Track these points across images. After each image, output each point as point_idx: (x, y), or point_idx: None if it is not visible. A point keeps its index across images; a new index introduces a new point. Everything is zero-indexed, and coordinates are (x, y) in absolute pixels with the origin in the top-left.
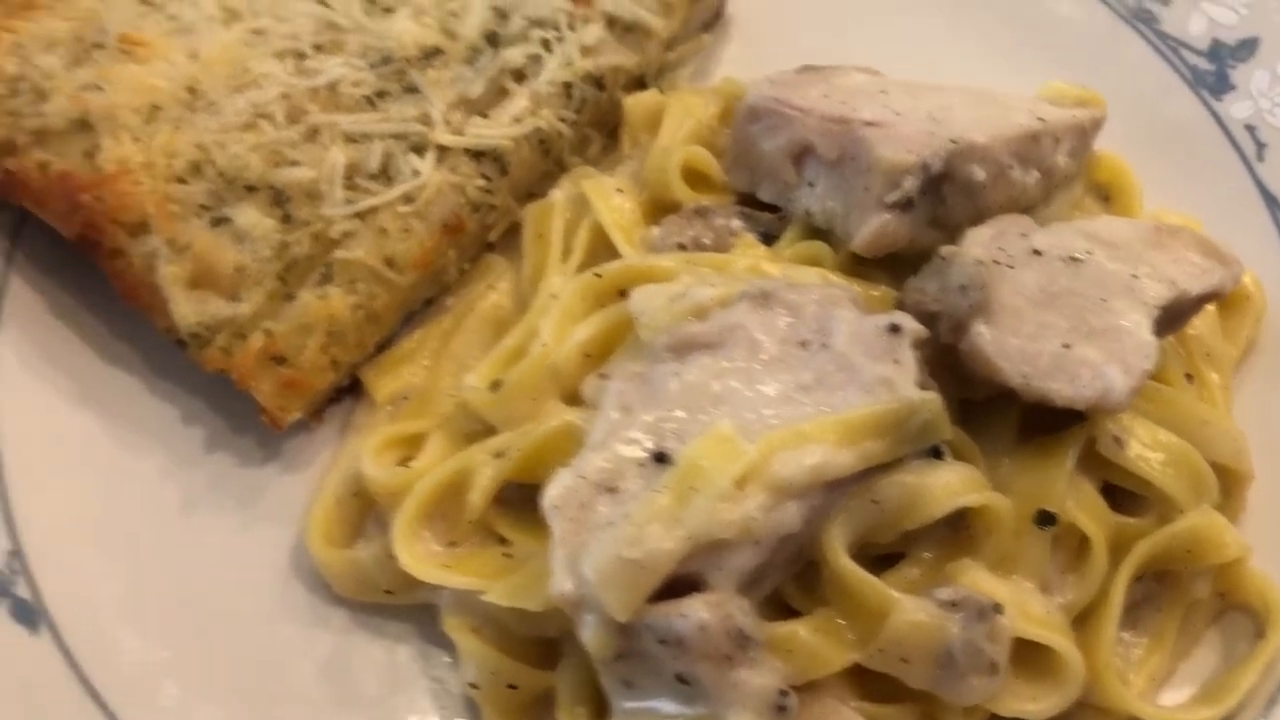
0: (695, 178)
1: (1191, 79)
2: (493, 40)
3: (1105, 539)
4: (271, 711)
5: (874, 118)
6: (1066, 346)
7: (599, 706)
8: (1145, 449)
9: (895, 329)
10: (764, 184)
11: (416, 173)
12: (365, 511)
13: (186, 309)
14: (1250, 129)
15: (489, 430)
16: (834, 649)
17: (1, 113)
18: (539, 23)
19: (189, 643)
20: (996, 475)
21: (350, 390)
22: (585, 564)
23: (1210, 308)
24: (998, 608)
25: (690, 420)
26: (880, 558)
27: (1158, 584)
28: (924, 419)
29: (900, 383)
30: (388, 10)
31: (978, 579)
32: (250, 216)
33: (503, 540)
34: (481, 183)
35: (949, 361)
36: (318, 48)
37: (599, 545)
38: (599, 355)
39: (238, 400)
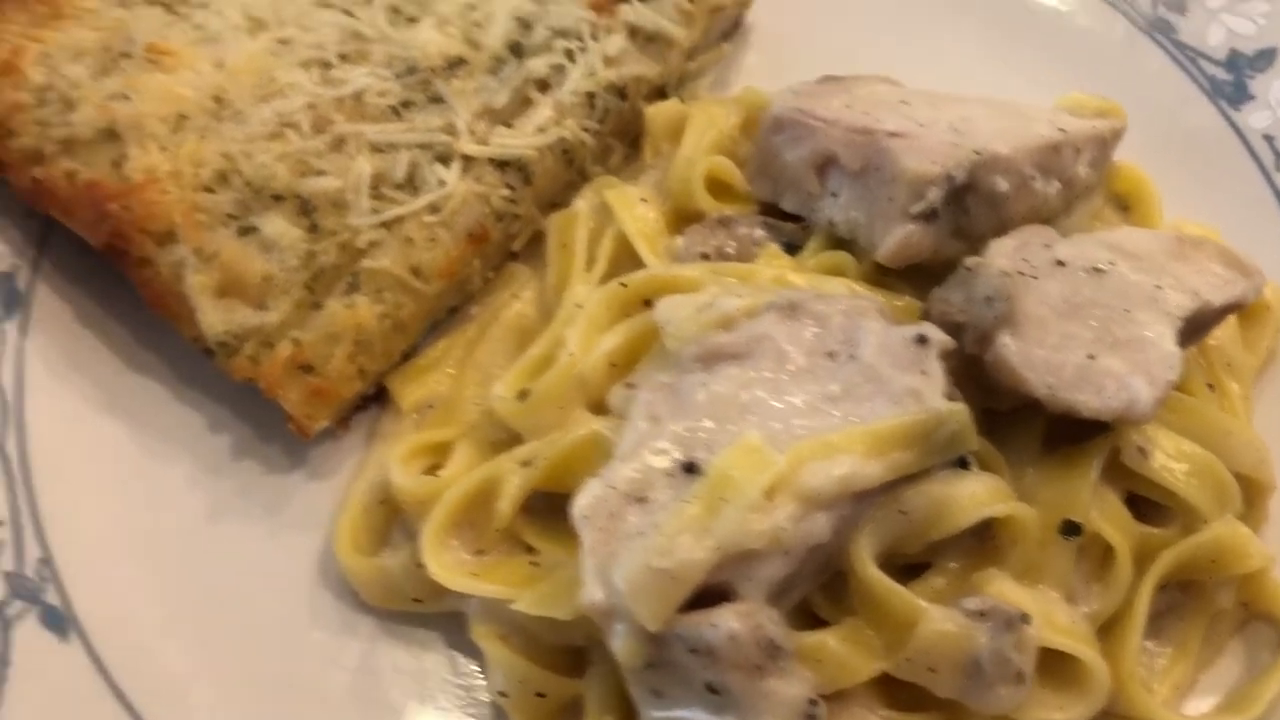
0: (718, 187)
1: (1210, 89)
2: (516, 50)
3: (1130, 549)
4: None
5: (897, 128)
6: (1091, 357)
7: (627, 715)
8: (1169, 459)
9: (923, 340)
10: (787, 194)
11: (442, 182)
12: (392, 519)
13: (214, 318)
14: (1269, 139)
15: (515, 438)
16: (862, 658)
17: (29, 122)
18: (562, 33)
19: (217, 649)
20: (1021, 485)
21: (376, 398)
22: (616, 574)
23: (1230, 318)
24: (1025, 618)
25: (719, 430)
26: (906, 567)
27: (1181, 594)
28: (951, 430)
29: (928, 394)
30: (412, 20)
31: (1004, 589)
32: (277, 226)
33: (529, 549)
34: (506, 192)
35: (974, 372)
36: (343, 57)
37: (629, 555)
38: (625, 365)
39: (264, 408)
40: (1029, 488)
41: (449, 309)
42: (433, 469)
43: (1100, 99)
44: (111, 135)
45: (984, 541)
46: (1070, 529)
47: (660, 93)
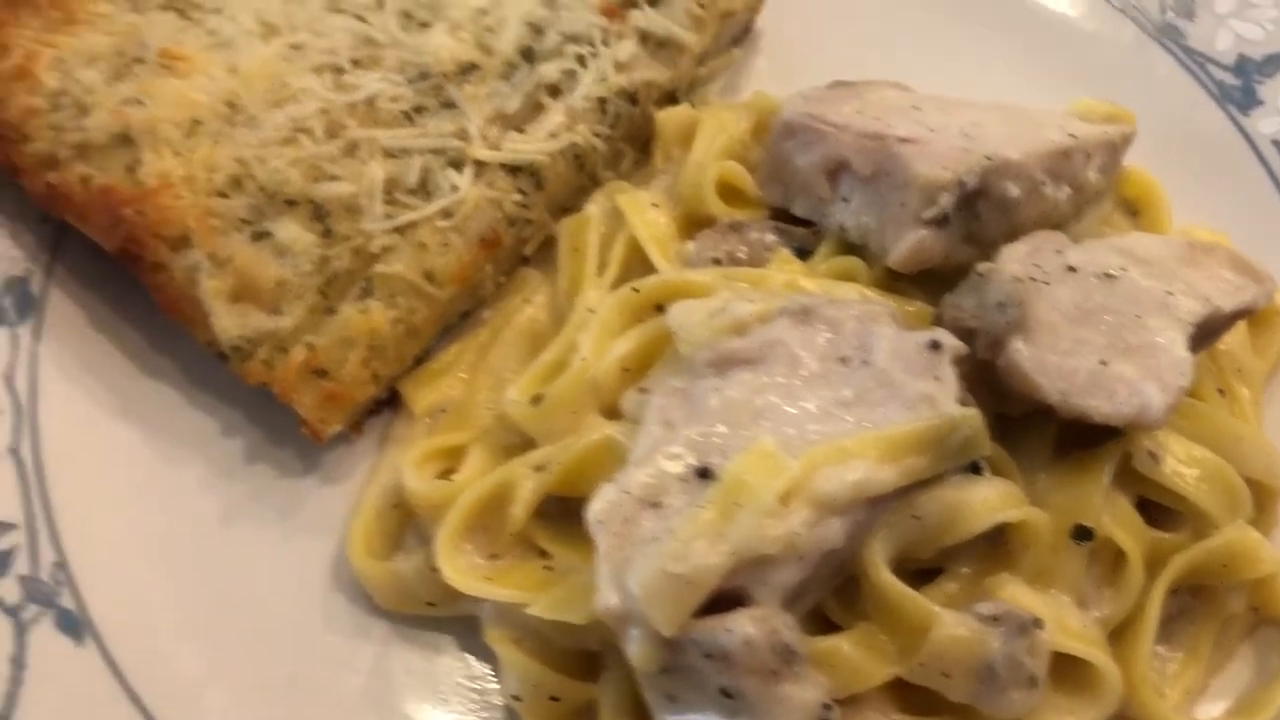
0: (729, 192)
1: (1218, 94)
2: (528, 56)
3: (1141, 554)
4: None
5: (908, 134)
6: (1103, 363)
7: (641, 719)
8: (1180, 464)
9: (935, 346)
10: (798, 199)
11: (455, 188)
12: (405, 523)
13: (228, 322)
14: (1277, 144)
15: (528, 443)
16: (876, 663)
17: (44, 127)
18: (574, 38)
19: (231, 653)
20: (1033, 490)
21: (389, 403)
22: (630, 579)
23: (1240, 323)
24: (1038, 622)
25: (732, 435)
26: (918, 572)
27: (1192, 598)
28: (965, 435)
29: (941, 399)
30: (424, 25)
31: (1016, 593)
32: (291, 231)
33: (543, 553)
34: (518, 197)
35: (986, 377)
36: (355, 63)
37: (644, 560)
38: (637, 369)
39: (277, 412)
40: (1041, 493)
41: (461, 313)
42: (446, 473)
43: (1110, 104)
44: (125, 140)
45: (996, 546)
46: (1082, 534)
47: (671, 98)
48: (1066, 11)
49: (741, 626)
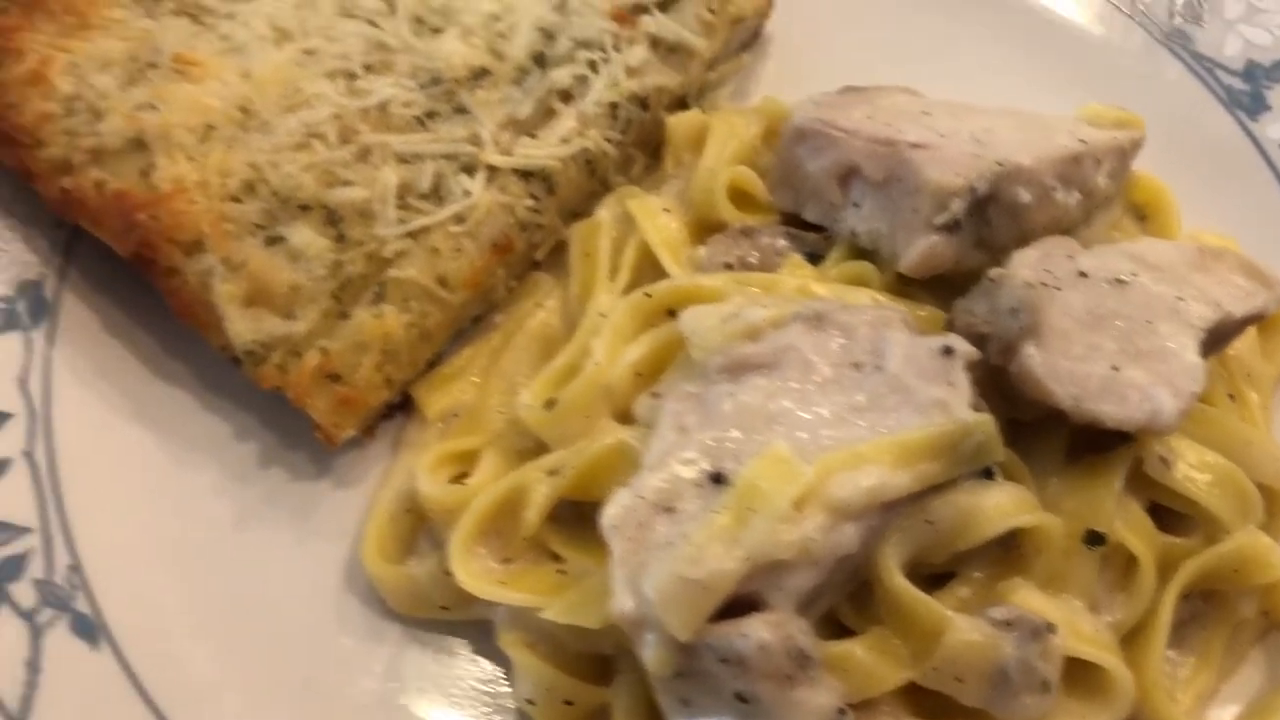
0: (740, 197)
1: (1227, 99)
2: (540, 61)
3: (1153, 559)
4: None
5: (919, 140)
6: (1115, 369)
7: None
8: (1192, 470)
9: (948, 351)
10: (809, 204)
11: (467, 193)
12: (418, 527)
13: (242, 327)
14: None
15: (540, 447)
16: (889, 667)
17: (58, 132)
18: (585, 44)
19: (245, 656)
20: (1044, 495)
21: (401, 407)
22: (646, 584)
23: (1249, 328)
24: (1051, 627)
25: (746, 441)
26: (931, 577)
27: (1204, 603)
28: (978, 441)
29: (955, 405)
30: (436, 31)
31: (1028, 598)
32: (304, 235)
33: (556, 557)
34: (530, 202)
35: (998, 383)
36: (368, 68)
37: (659, 565)
38: (650, 374)
39: (290, 416)
40: (1052, 498)
41: (473, 318)
42: (459, 477)
43: (1119, 110)
44: (139, 145)
45: (1008, 551)
46: (1094, 539)
47: (681, 103)
48: (1075, 17)
49: (757, 631)
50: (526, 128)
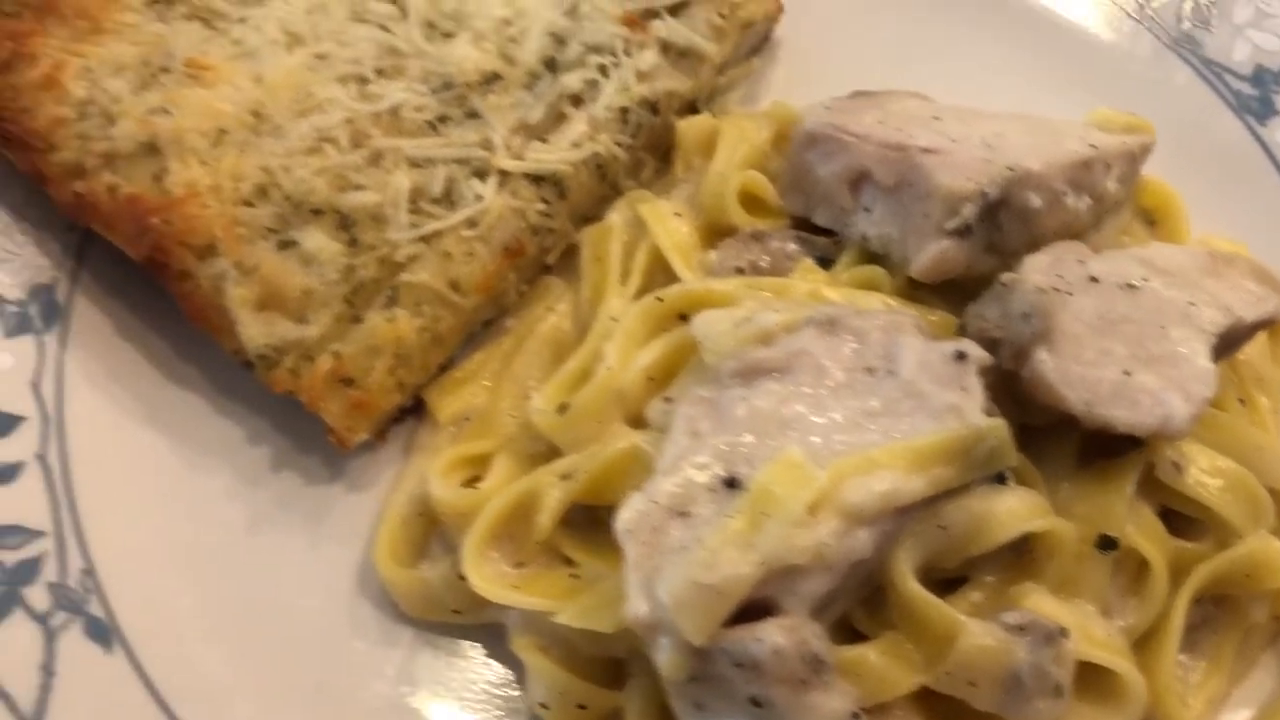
0: (750, 202)
1: (1236, 104)
2: (551, 66)
3: (1165, 563)
4: None
5: (930, 144)
6: (1127, 374)
7: None
8: (1203, 474)
9: (961, 356)
10: (819, 208)
11: (479, 197)
12: (430, 531)
13: (255, 331)
14: None
15: (552, 450)
16: (902, 672)
17: (71, 136)
18: (596, 48)
19: (259, 660)
20: (1056, 500)
21: (413, 410)
22: (660, 588)
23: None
24: (1064, 632)
25: (759, 445)
26: (943, 581)
27: (1215, 607)
28: (991, 446)
29: (968, 410)
30: (447, 35)
31: (1040, 603)
32: (317, 240)
33: (568, 561)
34: (541, 207)
35: (1009, 387)
36: (379, 72)
37: (673, 569)
38: (662, 378)
39: (302, 420)
40: (1064, 502)
41: (484, 322)
42: (471, 481)
43: (1129, 115)
44: (152, 149)
45: (1020, 555)
46: (1106, 543)
47: (691, 107)
48: (1083, 22)
49: (771, 636)
50: (538, 132)
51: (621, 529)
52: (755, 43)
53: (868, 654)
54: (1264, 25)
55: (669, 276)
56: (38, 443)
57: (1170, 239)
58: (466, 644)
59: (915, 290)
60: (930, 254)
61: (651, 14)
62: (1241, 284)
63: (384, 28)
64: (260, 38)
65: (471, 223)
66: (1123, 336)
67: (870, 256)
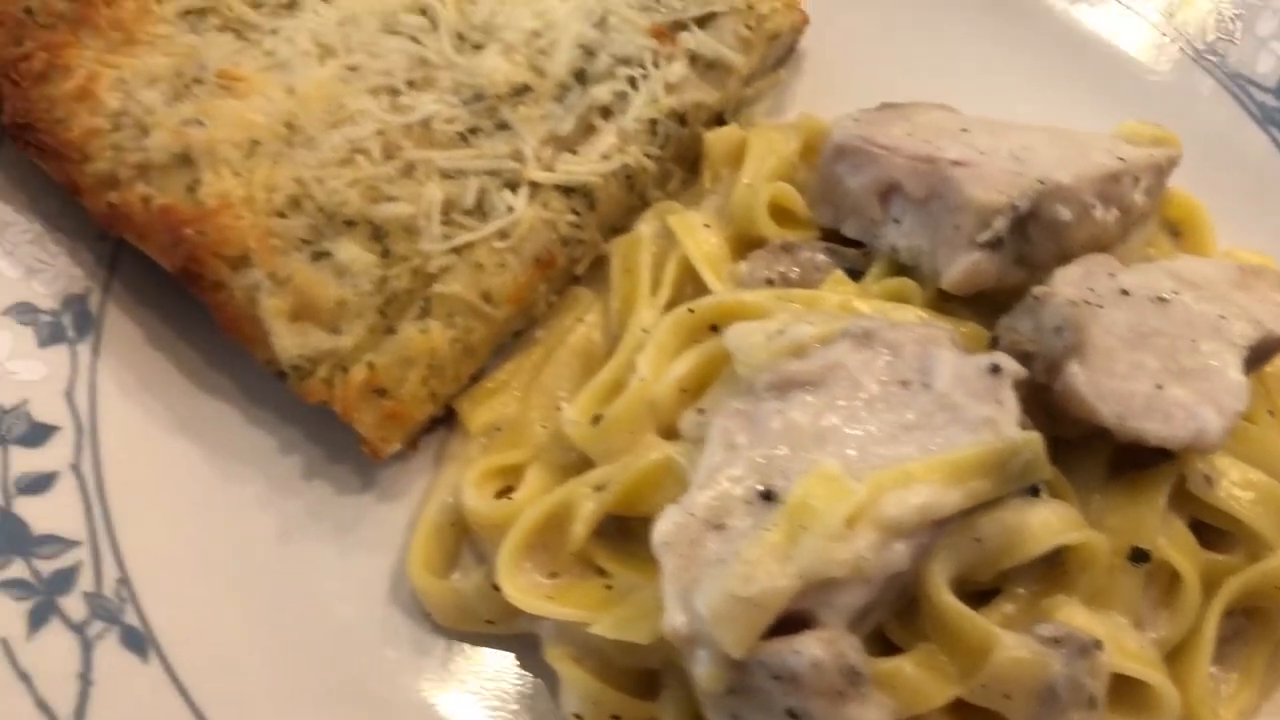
0: (779, 213)
1: (1260, 116)
2: (581, 78)
3: (1197, 576)
4: None
5: (960, 157)
6: (1159, 387)
7: None
8: (1235, 487)
9: (996, 369)
10: (849, 220)
11: (510, 209)
12: (462, 540)
13: (288, 341)
14: None
15: (584, 461)
16: (937, 684)
17: (105, 147)
18: (625, 60)
19: (292, 669)
20: (1087, 512)
21: (444, 420)
22: (698, 601)
23: None
24: (1099, 644)
25: (794, 458)
26: (975, 593)
27: (1246, 620)
28: (1026, 459)
29: (1003, 423)
30: (477, 47)
31: (1073, 615)
32: (350, 251)
33: (601, 571)
34: (572, 218)
35: (1041, 400)
36: (411, 84)
37: (711, 582)
38: (694, 390)
39: (333, 430)
40: (1096, 515)
41: (514, 332)
42: (503, 491)
43: (1156, 127)
44: (186, 160)
45: (1052, 567)
46: (1138, 556)
47: (718, 119)
48: (1108, 34)
49: (809, 649)
50: (568, 144)
51: (659, 541)
52: (781, 54)
53: (903, 666)
54: None
55: (698, 288)
56: (72, 453)
57: (1195, 251)
58: (499, 654)
59: (944, 302)
60: (962, 266)
61: (680, 26)
62: (1270, 296)
63: (415, 39)
64: (292, 49)
65: (503, 234)
66: (1154, 350)
67: (899, 268)
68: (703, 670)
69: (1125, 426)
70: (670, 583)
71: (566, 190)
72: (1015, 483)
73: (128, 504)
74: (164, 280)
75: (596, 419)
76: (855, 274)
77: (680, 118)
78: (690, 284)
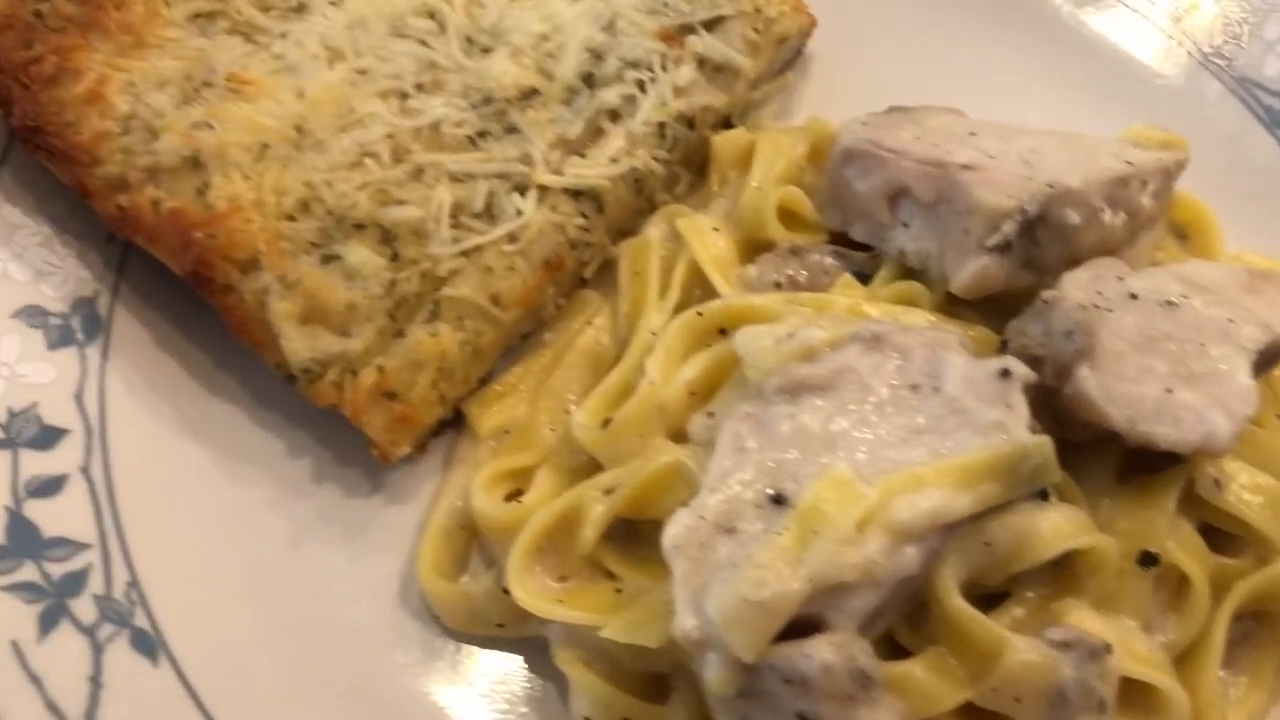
0: (787, 216)
1: (1267, 120)
2: (589, 81)
3: (1206, 579)
4: None
5: (969, 161)
6: (1168, 391)
7: None
8: (1244, 491)
9: (1006, 373)
10: (857, 224)
11: (519, 212)
12: (471, 544)
13: (298, 345)
14: None
15: (593, 464)
16: (947, 687)
17: (115, 150)
18: (633, 64)
19: (301, 672)
20: (1097, 516)
21: (452, 423)
22: (709, 604)
23: None
24: (1109, 648)
25: (805, 462)
26: (984, 597)
27: (1255, 623)
28: (1036, 463)
29: (1013, 426)
30: (486, 50)
31: (1083, 618)
32: (360, 254)
33: (610, 575)
34: (580, 221)
35: (1050, 404)
36: (419, 87)
37: (722, 586)
38: (704, 393)
39: (343, 432)
40: (1105, 519)
41: (522, 335)
42: (513, 495)
43: (1163, 131)
44: (195, 164)
45: (1062, 571)
46: (1147, 559)
47: (725, 122)
48: (1115, 37)
49: (820, 652)
50: (576, 147)
51: (669, 545)
52: (789, 57)
53: (914, 669)
54: None
55: (707, 291)
56: (81, 455)
57: (1203, 254)
58: (508, 657)
59: (953, 306)
60: (971, 270)
61: (687, 29)
62: (1279, 300)
63: (423, 43)
64: (301, 53)
65: (512, 237)
66: (1164, 354)
67: (907, 272)
68: (713, 674)
69: (1135, 430)
70: (681, 586)
71: (575, 193)
72: (1026, 486)
73: (137, 507)
74: (173, 283)
75: (606, 422)
76: (864, 278)
77: (688, 121)
78: (699, 287)
